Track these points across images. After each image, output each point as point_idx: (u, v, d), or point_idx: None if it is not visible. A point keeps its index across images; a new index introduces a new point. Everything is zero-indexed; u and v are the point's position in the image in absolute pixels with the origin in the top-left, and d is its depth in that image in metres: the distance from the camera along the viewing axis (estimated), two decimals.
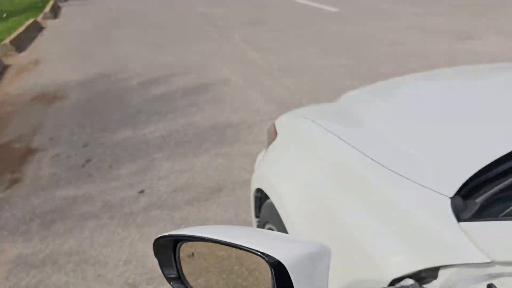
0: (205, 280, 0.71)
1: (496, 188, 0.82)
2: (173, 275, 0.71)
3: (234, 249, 0.64)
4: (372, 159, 1.06)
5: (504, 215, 0.77)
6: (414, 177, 0.93)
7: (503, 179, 0.84)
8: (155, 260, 0.73)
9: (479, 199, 0.81)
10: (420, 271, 0.77)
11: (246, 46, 6.49)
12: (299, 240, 0.83)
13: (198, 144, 3.43)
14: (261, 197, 1.65)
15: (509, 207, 0.78)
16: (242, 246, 0.62)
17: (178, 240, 0.70)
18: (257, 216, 1.76)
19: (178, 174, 2.99)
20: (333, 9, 9.25)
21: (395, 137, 1.15)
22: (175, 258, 0.71)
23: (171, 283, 0.72)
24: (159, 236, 0.70)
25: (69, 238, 2.42)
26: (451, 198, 0.83)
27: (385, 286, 0.79)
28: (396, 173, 0.97)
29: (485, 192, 0.83)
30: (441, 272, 0.75)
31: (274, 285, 0.59)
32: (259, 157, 1.85)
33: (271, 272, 0.59)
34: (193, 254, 0.70)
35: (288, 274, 0.57)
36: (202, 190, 2.79)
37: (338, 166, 1.14)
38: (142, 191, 2.82)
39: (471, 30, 6.93)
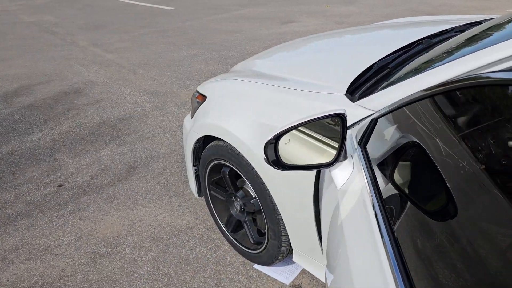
0: (295, 155, 1.21)
1: (368, 84, 1.57)
2: (274, 159, 1.16)
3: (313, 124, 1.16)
4: (289, 88, 1.73)
5: (372, 93, 1.52)
6: (319, 91, 1.63)
7: (371, 78, 1.60)
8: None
9: (360, 91, 1.55)
10: None
11: (96, 49, 6.61)
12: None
13: (94, 139, 3.69)
14: (199, 147, 2.19)
15: (376, 89, 1.53)
16: (319, 117, 1.14)
17: (278, 137, 1.15)
18: (194, 165, 2.29)
19: (88, 166, 3.26)
20: (168, 8, 9.76)
21: (294, 74, 1.85)
22: (275, 149, 1.16)
23: (274, 166, 1.16)
24: (266, 141, 1.15)
25: (7, 239, 2.55)
26: (345, 94, 1.55)
27: None
28: (307, 91, 1.66)
29: (363, 87, 1.57)
30: (353, 128, 1.45)
31: (342, 129, 1.13)
32: (186, 119, 2.36)
33: (341, 122, 1.13)
34: (289, 141, 1.21)
35: (346, 120, 1.14)
36: (118, 172, 3.13)
37: (268, 99, 1.78)
38: (60, 185, 3.02)
39: (289, 16, 8.26)
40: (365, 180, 1.09)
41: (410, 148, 1.07)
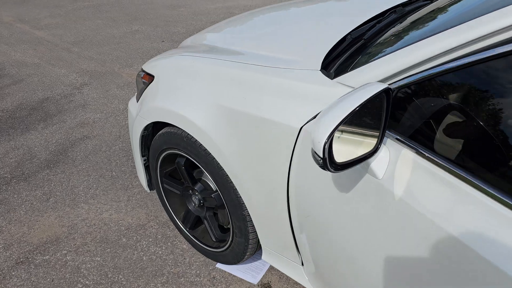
0: (346, 147, 1.01)
1: (342, 58, 1.35)
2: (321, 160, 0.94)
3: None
4: (252, 64, 1.47)
5: (350, 69, 1.30)
6: (287, 66, 1.39)
7: (344, 52, 1.37)
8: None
9: (335, 66, 1.32)
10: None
11: (24, 26, 5.95)
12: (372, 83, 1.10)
13: (24, 128, 3.24)
14: (148, 135, 1.90)
15: (352, 63, 1.30)
16: (368, 98, 0.93)
17: (329, 136, 0.93)
18: (143, 155, 2.00)
19: (17, 158, 2.84)
20: None
21: (255, 49, 1.60)
22: (330, 149, 0.95)
23: (332, 170, 0.96)
24: (323, 142, 0.92)
25: None
26: (320, 69, 1.32)
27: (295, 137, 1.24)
28: (274, 67, 1.41)
29: (336, 61, 1.34)
30: None
31: (386, 106, 0.97)
32: (130, 103, 2.05)
33: (386, 98, 0.96)
34: (341, 133, 1.00)
35: (391, 93, 0.97)
36: (53, 165, 2.75)
37: (227, 77, 1.51)
38: None
39: None
40: (412, 156, 1.02)
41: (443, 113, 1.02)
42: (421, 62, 1.02)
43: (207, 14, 6.21)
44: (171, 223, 2.19)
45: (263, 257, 1.69)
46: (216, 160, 1.56)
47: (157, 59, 1.90)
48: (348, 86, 1.24)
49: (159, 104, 1.70)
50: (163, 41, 5.11)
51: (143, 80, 1.91)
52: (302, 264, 1.53)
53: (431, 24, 1.27)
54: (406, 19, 1.60)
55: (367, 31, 1.59)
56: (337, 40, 1.47)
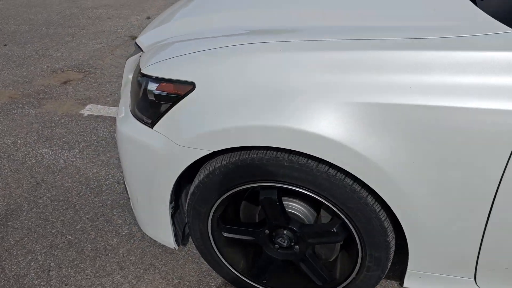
0: None
1: None
2: None
3: None
4: (396, 39, 1.05)
5: None
6: (466, 33, 1.02)
7: None
8: None
9: None
10: None
11: None
12: None
13: None
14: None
15: None
16: None
17: None
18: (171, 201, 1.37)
19: None
20: None
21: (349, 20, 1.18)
22: None
23: None
24: None
25: None
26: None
27: None
28: (444, 37, 1.02)
29: None
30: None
31: None
32: (130, 131, 1.35)
33: None
34: None
35: None
36: None
37: (367, 62, 1.05)
38: None
39: None
40: None
41: None
42: None
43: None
44: (211, 280, 1.61)
45: (405, 284, 1.32)
46: (356, 182, 1.11)
47: (185, 60, 1.25)
48: None
49: (240, 121, 1.12)
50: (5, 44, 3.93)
51: (160, 92, 1.26)
52: (475, 277, 1.23)
53: None
54: None
55: None
56: None
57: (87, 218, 1.91)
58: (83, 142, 2.45)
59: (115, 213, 1.92)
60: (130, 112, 1.38)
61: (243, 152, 1.19)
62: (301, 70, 1.08)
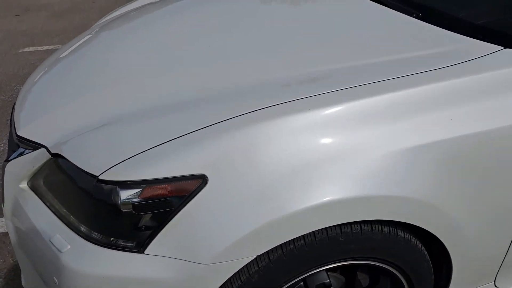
0: None
1: None
2: None
3: None
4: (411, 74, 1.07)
5: None
6: (468, 58, 1.11)
7: None
8: None
9: None
10: None
11: None
12: None
13: None
14: None
15: None
16: None
17: None
18: None
19: None
20: None
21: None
22: None
23: None
24: None
25: None
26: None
27: None
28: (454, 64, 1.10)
29: None
30: None
31: None
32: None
33: None
34: None
35: None
36: None
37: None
38: None
39: None
40: None
41: None
42: None
43: None
44: None
45: None
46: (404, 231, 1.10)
47: (198, 152, 0.96)
48: None
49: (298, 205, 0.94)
50: None
51: (144, 201, 0.95)
52: (495, 280, 1.33)
53: None
54: None
55: None
56: None
57: None
58: None
59: None
60: (80, 239, 1.00)
61: (285, 243, 0.99)
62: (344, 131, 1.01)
